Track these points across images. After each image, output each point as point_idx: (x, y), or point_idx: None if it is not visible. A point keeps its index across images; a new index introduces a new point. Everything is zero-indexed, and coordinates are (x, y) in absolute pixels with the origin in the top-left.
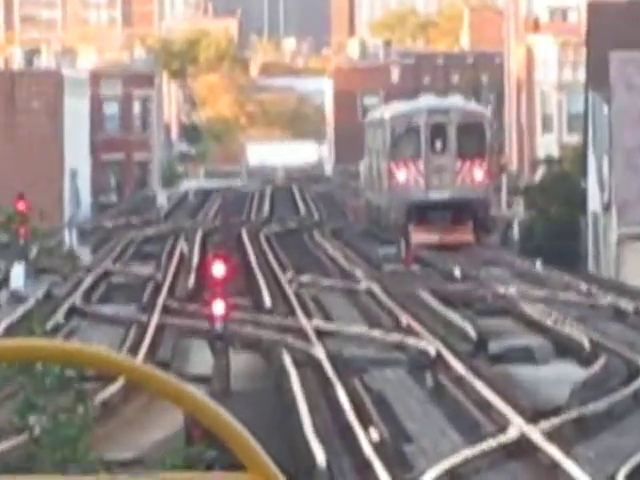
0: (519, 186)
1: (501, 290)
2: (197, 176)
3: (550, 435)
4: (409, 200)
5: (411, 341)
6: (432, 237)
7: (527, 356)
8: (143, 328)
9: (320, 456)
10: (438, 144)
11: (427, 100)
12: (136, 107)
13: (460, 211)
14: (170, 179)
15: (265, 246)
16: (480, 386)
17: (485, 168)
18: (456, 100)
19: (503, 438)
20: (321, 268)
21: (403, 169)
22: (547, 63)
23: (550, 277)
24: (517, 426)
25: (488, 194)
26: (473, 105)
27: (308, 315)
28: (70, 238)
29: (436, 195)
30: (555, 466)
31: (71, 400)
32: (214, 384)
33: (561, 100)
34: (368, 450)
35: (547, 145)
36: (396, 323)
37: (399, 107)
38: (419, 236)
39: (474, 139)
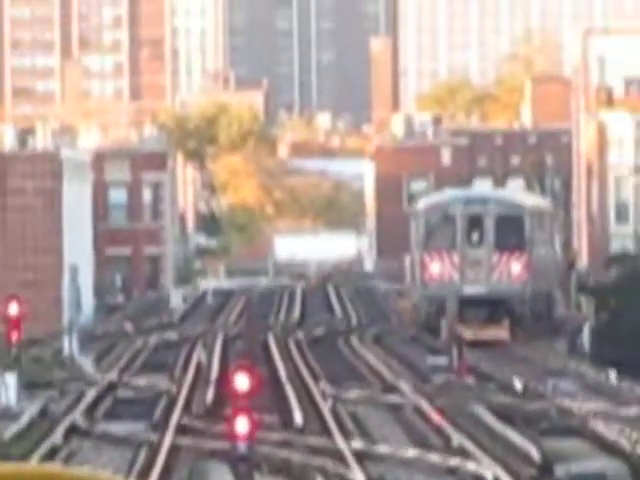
0: (590, 285)
1: (569, 406)
2: (217, 274)
3: None
4: (442, 295)
5: (465, 465)
6: (466, 333)
7: None
8: (154, 450)
9: None
10: (474, 236)
11: (464, 190)
12: (146, 194)
13: (496, 307)
14: (186, 277)
15: (295, 354)
16: None
17: (524, 262)
18: (494, 190)
19: None
20: (360, 380)
21: (437, 261)
22: (622, 143)
23: (627, 390)
24: None
25: (526, 290)
26: (512, 194)
27: (345, 435)
28: (70, 345)
29: (471, 290)
30: None
31: None
32: None
33: (638, 186)
34: None
35: (622, 238)
36: (447, 444)
37: (434, 197)
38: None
39: (512, 231)
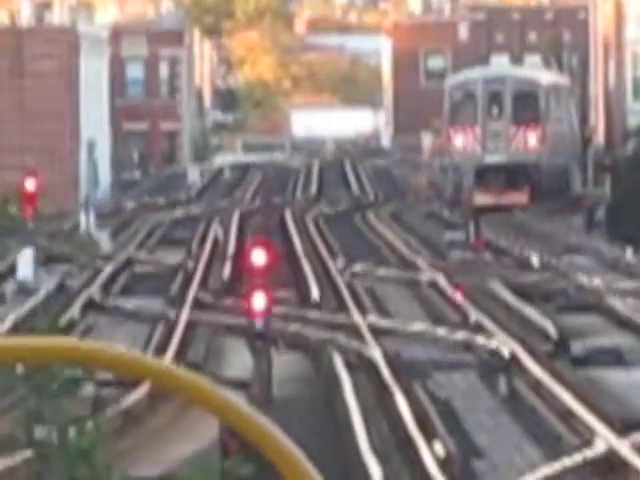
0: (607, 161)
1: (586, 282)
2: (234, 149)
3: None
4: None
5: (481, 341)
6: (488, 199)
7: (616, 358)
8: (171, 325)
9: (377, 474)
10: (494, 111)
11: (484, 69)
12: (163, 69)
13: (515, 174)
14: (203, 153)
15: (312, 230)
16: (561, 393)
17: (539, 134)
18: (512, 68)
19: (588, 453)
20: (377, 256)
21: (461, 134)
22: (639, 18)
23: None
24: (604, 439)
25: (541, 159)
26: (529, 72)
27: (362, 310)
28: (87, 221)
29: (491, 159)
30: None
31: (85, 409)
32: (254, 390)
33: None
34: (432, 468)
35: (639, 114)
36: (464, 320)
37: (457, 76)
38: (477, 197)
39: (529, 106)
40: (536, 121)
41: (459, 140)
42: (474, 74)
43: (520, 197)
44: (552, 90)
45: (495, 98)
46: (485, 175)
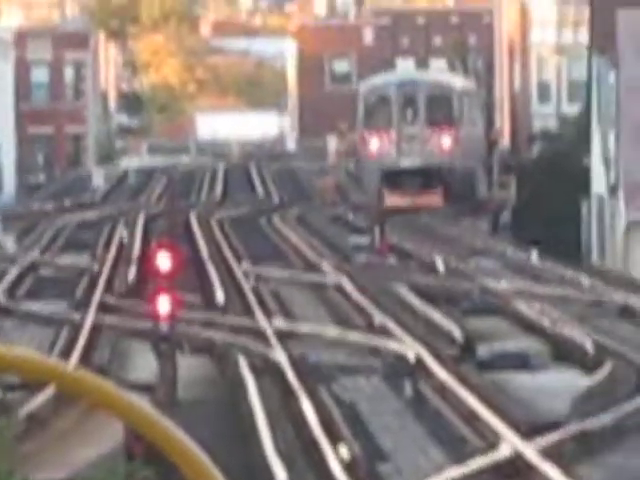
0: (512, 164)
1: (491, 285)
2: (139, 152)
3: (547, 453)
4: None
5: (387, 344)
6: (405, 201)
7: (521, 362)
8: (76, 328)
9: (282, 478)
10: (409, 114)
11: (399, 73)
12: (68, 73)
13: (430, 176)
14: (108, 156)
15: (217, 233)
16: (467, 396)
17: (453, 137)
18: (426, 73)
19: (493, 456)
20: (282, 259)
21: (376, 138)
22: (544, 23)
23: (547, 270)
24: (510, 443)
25: (455, 161)
26: (442, 76)
27: (267, 314)
28: None
29: (407, 162)
30: None
31: None
32: (159, 393)
33: (560, 65)
34: (337, 470)
35: (544, 117)
36: (369, 323)
37: (372, 80)
38: (393, 200)
39: (442, 109)
40: (450, 124)
41: (374, 143)
42: (389, 78)
43: (435, 199)
44: (464, 94)
45: (410, 102)
46: (400, 177)
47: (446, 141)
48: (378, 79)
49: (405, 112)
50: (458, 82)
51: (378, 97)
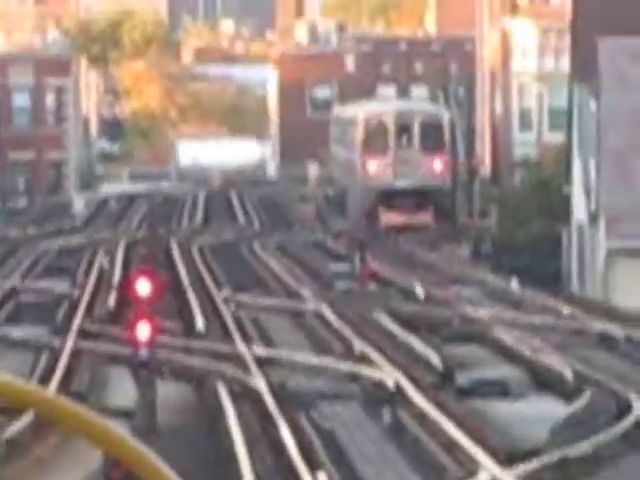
0: (493, 193)
1: (471, 313)
2: (120, 179)
3: None
4: (379, 187)
5: (366, 371)
6: (399, 219)
7: (501, 390)
8: (56, 354)
9: None
10: (404, 140)
11: (395, 103)
12: (49, 98)
13: (422, 197)
14: (88, 182)
15: (198, 260)
16: (446, 424)
17: (444, 162)
18: (420, 103)
19: None
20: (262, 286)
21: (374, 161)
22: (526, 51)
23: (528, 298)
24: (488, 471)
25: (446, 183)
26: (434, 107)
27: (247, 340)
28: None
29: (402, 183)
30: None
31: None
32: (138, 419)
33: (542, 93)
34: None
35: (525, 145)
36: (349, 350)
37: (370, 108)
38: (389, 217)
39: (434, 136)
40: (441, 150)
41: (372, 165)
42: (388, 107)
43: (427, 218)
44: (451, 123)
45: (406, 129)
46: (395, 197)
47: (437, 165)
48: (377, 107)
49: (401, 138)
50: (446, 113)
51: (377, 124)
